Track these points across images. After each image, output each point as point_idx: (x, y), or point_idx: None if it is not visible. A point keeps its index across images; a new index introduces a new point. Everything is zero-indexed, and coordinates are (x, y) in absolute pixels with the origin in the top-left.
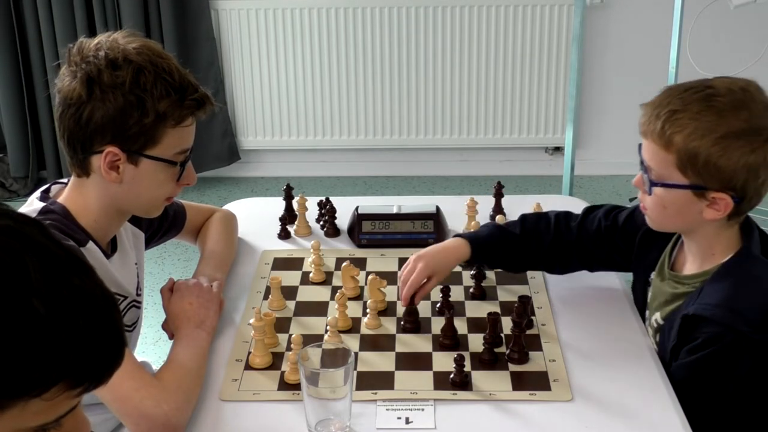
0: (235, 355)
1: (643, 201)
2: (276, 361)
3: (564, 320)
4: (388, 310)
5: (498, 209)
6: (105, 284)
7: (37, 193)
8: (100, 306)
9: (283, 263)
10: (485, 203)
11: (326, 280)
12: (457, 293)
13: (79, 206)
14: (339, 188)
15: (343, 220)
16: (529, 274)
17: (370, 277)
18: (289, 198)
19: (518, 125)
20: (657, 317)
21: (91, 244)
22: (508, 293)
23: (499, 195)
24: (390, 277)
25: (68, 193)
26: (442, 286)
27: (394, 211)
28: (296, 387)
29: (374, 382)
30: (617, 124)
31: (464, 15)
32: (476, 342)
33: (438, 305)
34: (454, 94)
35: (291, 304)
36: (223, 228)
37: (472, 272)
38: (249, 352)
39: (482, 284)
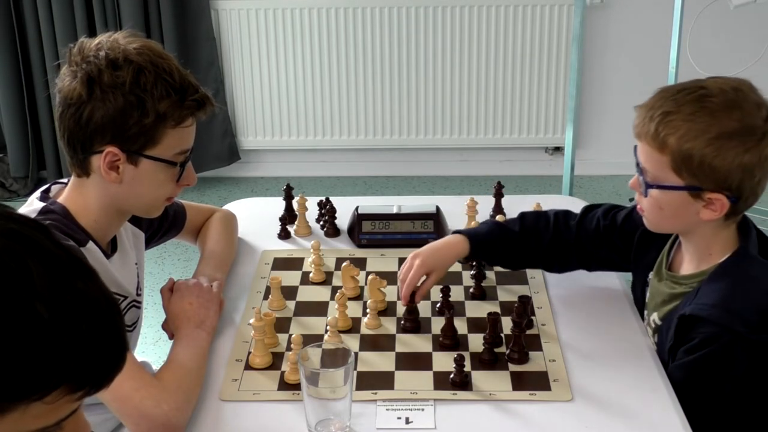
0: (235, 355)
1: (640, 203)
2: (276, 361)
3: (564, 320)
4: (388, 310)
5: (498, 209)
6: (108, 289)
7: (37, 193)
8: (102, 310)
9: (283, 263)
10: (485, 203)
11: (326, 280)
12: (457, 293)
13: (79, 206)
14: (339, 188)
15: (343, 220)
16: (529, 273)
17: (370, 277)
18: (289, 198)
19: (518, 125)
20: (655, 317)
21: (91, 244)
22: (508, 293)
23: (499, 195)
24: (390, 277)
25: (68, 193)
26: (442, 286)
27: (394, 211)
28: (296, 387)
29: (374, 382)
30: (617, 124)
31: (464, 15)
32: (476, 342)
33: (438, 305)
34: (454, 94)
35: (291, 304)
36: (223, 228)
37: (472, 272)
38: (249, 352)
39: (482, 284)
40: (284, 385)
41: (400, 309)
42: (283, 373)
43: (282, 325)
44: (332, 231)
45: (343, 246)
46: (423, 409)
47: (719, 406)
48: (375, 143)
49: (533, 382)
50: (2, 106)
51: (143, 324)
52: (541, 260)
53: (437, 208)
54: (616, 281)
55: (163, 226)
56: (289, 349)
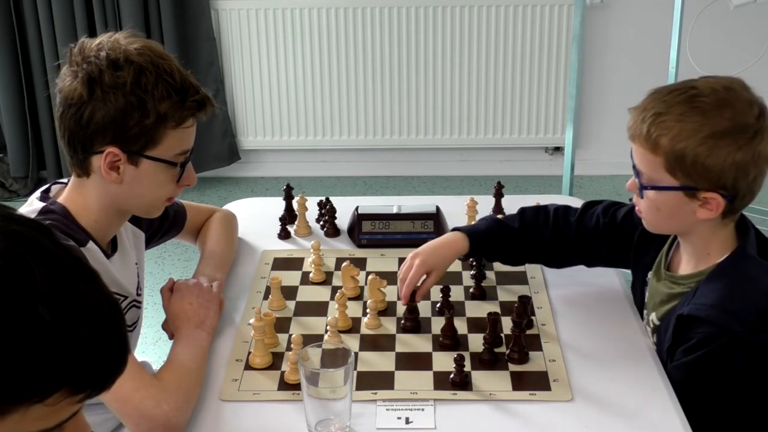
0: (235, 355)
1: (637, 204)
2: (276, 361)
3: (564, 320)
4: (388, 310)
5: (498, 209)
6: (109, 291)
7: (37, 193)
8: (104, 313)
9: (283, 263)
10: (485, 203)
11: (326, 280)
12: (457, 293)
13: (79, 206)
14: (339, 188)
15: (343, 220)
16: (529, 273)
17: (370, 277)
18: (289, 198)
19: (518, 125)
20: (654, 317)
21: (91, 244)
22: (508, 293)
23: (499, 195)
24: (390, 277)
25: (68, 193)
26: (442, 286)
27: (394, 211)
28: (296, 387)
29: (374, 382)
30: (617, 124)
31: (464, 15)
32: (476, 342)
33: (438, 305)
34: (454, 94)
35: (291, 304)
36: (223, 228)
37: (472, 272)
38: (249, 352)
39: (482, 284)
40: (284, 385)
41: (400, 309)
42: (283, 373)
43: (282, 325)
44: (332, 231)
45: (343, 246)
46: (423, 409)
47: (718, 406)
48: (375, 143)
49: (533, 382)
50: (2, 106)
51: (143, 324)
52: (540, 256)
53: (437, 208)
54: (616, 281)
55: (163, 226)
56: (289, 349)
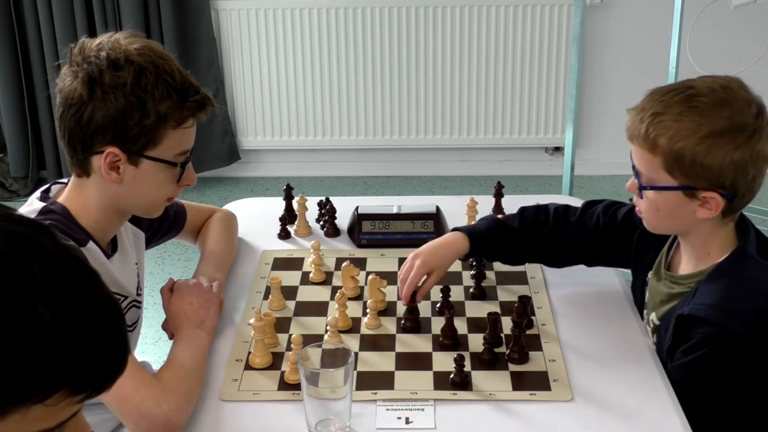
0: (235, 355)
1: (638, 205)
2: (276, 361)
3: (564, 320)
4: (388, 310)
5: (498, 209)
6: (110, 291)
7: (37, 193)
8: (105, 314)
9: (283, 263)
10: (485, 203)
11: (326, 280)
12: (457, 293)
13: (79, 206)
14: (339, 188)
15: (343, 220)
16: (529, 273)
17: (370, 277)
18: (289, 198)
19: (518, 125)
20: (654, 317)
21: (91, 244)
22: (508, 293)
23: (499, 195)
24: (390, 277)
25: (68, 193)
26: (442, 286)
27: (394, 211)
28: (296, 387)
29: (374, 382)
30: (617, 124)
31: (464, 15)
32: (476, 342)
33: (438, 305)
34: (454, 94)
35: (291, 304)
36: (223, 228)
37: (472, 272)
38: (249, 352)
39: (482, 284)
40: (284, 385)
41: (400, 309)
42: (283, 373)
43: (282, 325)
44: (332, 231)
45: (343, 246)
46: (423, 409)
47: (718, 406)
48: (375, 143)
49: (533, 382)
50: (2, 106)
51: (143, 324)
52: (539, 255)
53: (437, 208)
54: (616, 281)
55: (163, 226)
56: (289, 349)
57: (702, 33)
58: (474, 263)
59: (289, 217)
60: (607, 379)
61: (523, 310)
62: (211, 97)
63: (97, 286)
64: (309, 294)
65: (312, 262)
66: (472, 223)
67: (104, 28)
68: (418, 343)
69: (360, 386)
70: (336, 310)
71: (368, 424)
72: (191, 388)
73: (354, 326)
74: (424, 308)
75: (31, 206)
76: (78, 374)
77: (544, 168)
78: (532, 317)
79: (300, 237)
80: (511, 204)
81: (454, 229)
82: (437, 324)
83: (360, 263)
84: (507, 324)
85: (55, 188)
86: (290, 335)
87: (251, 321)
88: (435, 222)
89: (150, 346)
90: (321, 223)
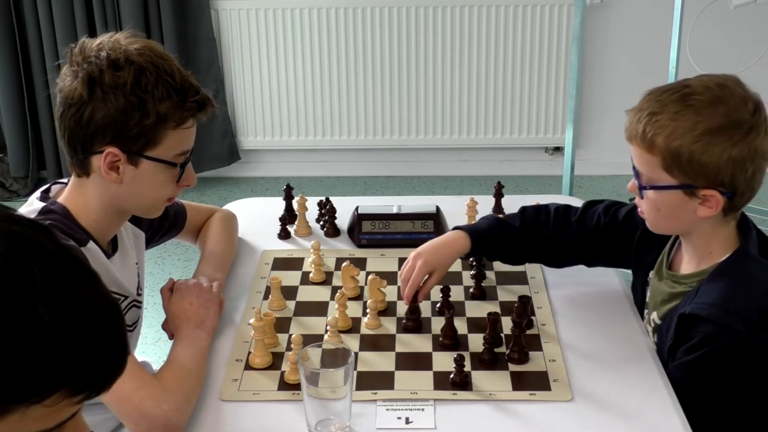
0: (235, 355)
1: (639, 206)
2: (276, 361)
3: (564, 320)
4: (388, 310)
5: (498, 209)
6: (110, 292)
7: (37, 193)
8: (104, 315)
9: (283, 263)
10: (485, 203)
11: (326, 280)
12: (457, 293)
13: (79, 206)
14: (339, 188)
15: (343, 220)
16: (529, 273)
17: (370, 277)
18: (289, 198)
19: (518, 125)
20: (655, 316)
21: (91, 244)
22: (508, 293)
23: (499, 195)
24: (390, 277)
25: (68, 193)
26: (442, 286)
27: (394, 211)
28: (296, 387)
29: (374, 382)
30: (617, 124)
31: (464, 15)
32: (476, 342)
33: (438, 305)
34: (454, 94)
35: (291, 304)
36: (224, 228)
37: (472, 272)
38: (249, 352)
39: (482, 284)
40: (284, 385)
41: (400, 309)
42: (283, 373)
43: (282, 325)
44: (332, 231)
45: (343, 246)
46: (423, 409)
47: (719, 405)
48: (375, 143)
49: (533, 382)
50: (2, 106)
51: (143, 324)
52: (540, 255)
53: (437, 208)
54: (617, 281)
55: (163, 226)
56: (289, 349)
57: (702, 33)
58: (474, 263)
59: (289, 217)
60: (607, 379)
61: (523, 310)
62: (211, 98)
63: (97, 287)
64: (309, 294)
65: (312, 262)
66: (473, 222)
67: (104, 28)
68: (418, 343)
69: (360, 386)
70: (336, 310)
71: (368, 424)
72: (191, 388)
73: (354, 326)
74: (425, 308)
75: (31, 206)
76: (77, 375)
77: (544, 168)
78: (532, 317)
79: (300, 237)
80: (511, 204)
81: (455, 228)
82: (437, 324)
83: (360, 263)
84: (507, 324)
85: (55, 188)
86: (290, 335)
87: (251, 321)
88: (435, 222)
89: (150, 346)
90: (321, 223)
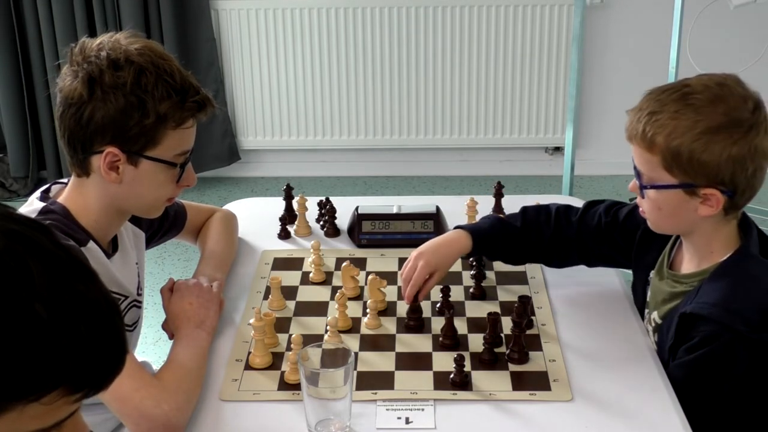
0: (235, 355)
1: (641, 206)
2: (276, 361)
3: (564, 320)
4: (388, 310)
5: (498, 209)
6: (108, 291)
7: (37, 193)
8: (102, 313)
9: (283, 263)
10: (485, 203)
11: (326, 280)
12: (457, 293)
13: (79, 206)
14: (339, 188)
15: (343, 220)
16: (529, 273)
17: (370, 277)
18: (289, 198)
19: (518, 125)
20: (655, 316)
21: (91, 244)
22: (508, 293)
23: (499, 195)
24: (390, 277)
25: (68, 193)
26: (442, 286)
27: (394, 211)
28: (296, 387)
29: (374, 382)
30: (617, 124)
31: (464, 15)
32: (476, 342)
33: (438, 305)
34: (454, 94)
35: (291, 304)
36: (224, 228)
37: (472, 272)
38: (249, 352)
39: (482, 284)
40: (284, 385)
41: (400, 309)
42: (283, 373)
43: (282, 325)
44: (332, 231)
45: (343, 246)
46: (423, 409)
47: (719, 405)
48: (375, 143)
49: (533, 382)
50: (2, 106)
51: (143, 324)
52: (541, 255)
53: (437, 208)
54: (617, 281)
55: (163, 226)
56: (289, 349)
57: (702, 33)
58: (474, 263)
59: (289, 217)
60: (607, 379)
61: (523, 310)
62: (211, 98)
63: (96, 285)
64: (309, 294)
65: (312, 262)
66: (473, 222)
67: (104, 28)
68: (418, 343)
69: (360, 386)
70: (336, 310)
71: (368, 424)
72: (191, 388)
73: (354, 326)
74: (425, 308)
75: (31, 206)
76: (75, 373)
77: (544, 168)
78: (532, 317)
79: (300, 237)
80: (511, 204)
81: (456, 228)
82: (437, 324)
83: (360, 263)
84: (507, 324)
85: (55, 188)
86: (290, 335)
87: (251, 321)
88: (435, 222)
89: (150, 346)
90: (321, 223)
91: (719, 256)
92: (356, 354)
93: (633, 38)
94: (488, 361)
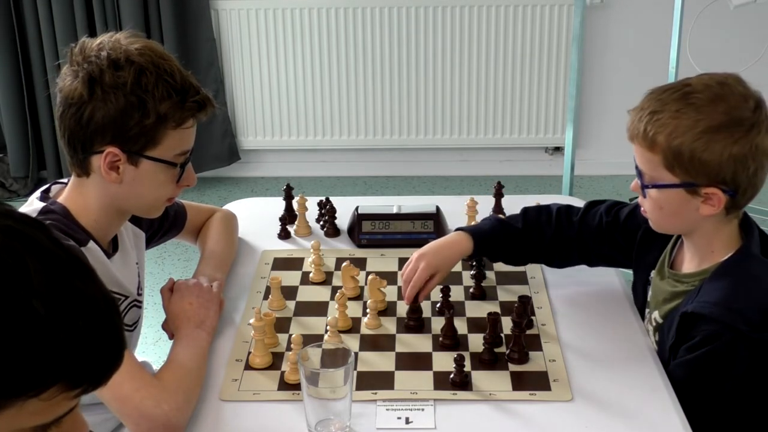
0: (235, 355)
1: (642, 205)
2: (276, 361)
3: (564, 320)
4: (388, 310)
5: (498, 209)
6: (106, 287)
7: (37, 193)
8: (100, 309)
9: (283, 263)
10: (485, 203)
11: (326, 280)
12: (457, 293)
13: (80, 206)
14: (339, 188)
15: (343, 220)
16: (529, 273)
17: (370, 277)
18: (289, 198)
19: (518, 125)
20: (656, 316)
21: (92, 244)
22: (508, 293)
23: (499, 195)
24: (390, 277)
25: (68, 193)
26: (442, 286)
27: (394, 211)
28: (296, 387)
29: (374, 382)
30: (617, 124)
31: (464, 15)
32: (476, 342)
33: (438, 305)
34: (454, 94)
35: (291, 304)
36: (224, 228)
37: (472, 272)
38: (249, 352)
39: (482, 284)
40: (284, 385)
41: (400, 309)
42: (283, 373)
43: (282, 325)
44: (332, 231)
45: (343, 246)
46: (423, 409)
47: (720, 404)
48: (375, 143)
49: (533, 382)
50: (2, 106)
51: (143, 324)
52: (542, 255)
53: (437, 208)
54: (617, 281)
55: (163, 226)
56: (289, 349)
57: (702, 33)
58: (474, 263)
59: (289, 217)
60: (607, 379)
61: (523, 310)
62: (212, 98)
63: (93, 282)
64: (309, 294)
65: (312, 262)
66: (473, 223)
67: (104, 28)
68: (418, 343)
69: (360, 386)
70: (336, 310)
71: (368, 424)
72: (191, 388)
73: (354, 326)
74: (425, 308)
75: (31, 206)
76: (73, 369)
77: (544, 168)
78: (532, 317)
79: (300, 237)
80: (511, 204)
81: (458, 230)
82: (437, 324)
83: (360, 263)
84: (507, 324)
85: (55, 188)
86: (290, 335)
87: (251, 321)
88: (435, 222)
89: (150, 346)
90: (321, 223)
91: (720, 255)
92: (356, 354)
93: (633, 38)
94: (488, 361)
